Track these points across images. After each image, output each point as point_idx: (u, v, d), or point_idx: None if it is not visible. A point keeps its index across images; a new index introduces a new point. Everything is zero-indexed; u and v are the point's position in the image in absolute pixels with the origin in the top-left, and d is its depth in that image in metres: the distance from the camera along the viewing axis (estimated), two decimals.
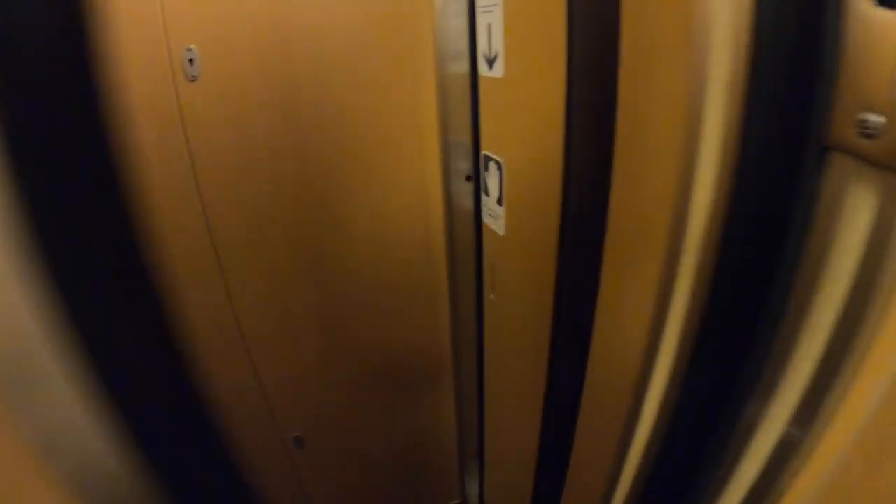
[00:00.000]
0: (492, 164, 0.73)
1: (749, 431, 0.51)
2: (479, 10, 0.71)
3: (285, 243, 0.96)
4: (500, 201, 0.73)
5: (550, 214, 0.64)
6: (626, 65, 0.54)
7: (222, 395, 0.91)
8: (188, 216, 0.95)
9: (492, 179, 0.74)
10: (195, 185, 0.93)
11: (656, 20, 0.48)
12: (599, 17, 0.57)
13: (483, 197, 0.77)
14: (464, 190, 0.85)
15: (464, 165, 0.84)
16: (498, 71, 0.69)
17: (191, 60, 0.93)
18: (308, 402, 0.96)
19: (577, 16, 0.58)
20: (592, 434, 0.71)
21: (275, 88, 0.94)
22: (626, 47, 0.53)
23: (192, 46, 0.94)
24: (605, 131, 0.57)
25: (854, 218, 0.40)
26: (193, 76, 0.93)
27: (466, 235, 0.86)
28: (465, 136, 0.82)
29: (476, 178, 0.80)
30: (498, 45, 0.68)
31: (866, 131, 0.36)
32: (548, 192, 0.63)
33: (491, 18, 0.68)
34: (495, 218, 0.74)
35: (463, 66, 0.81)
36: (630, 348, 0.60)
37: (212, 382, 0.90)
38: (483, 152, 0.75)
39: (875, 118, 0.36)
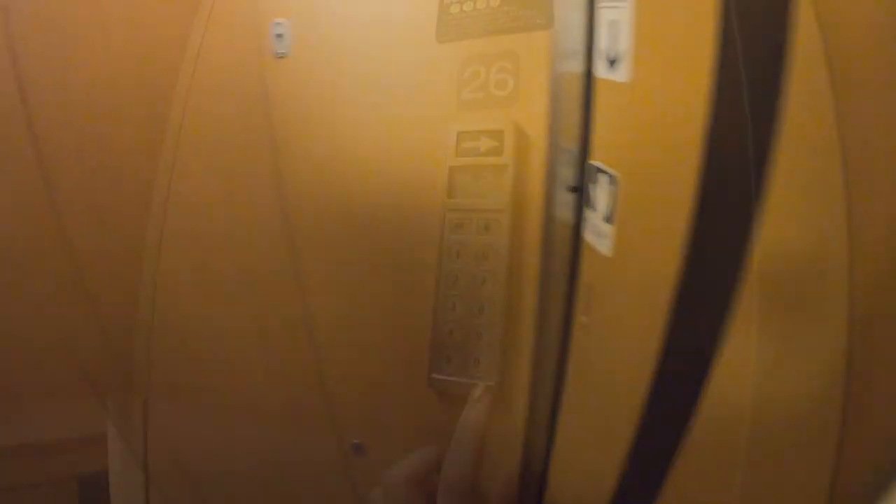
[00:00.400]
0: (602, 177, 0.62)
1: None
2: (601, 4, 0.60)
3: (365, 244, 0.89)
4: (608, 219, 0.61)
5: (673, 245, 0.52)
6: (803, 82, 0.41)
7: (285, 397, 0.87)
8: (266, 207, 0.90)
9: (600, 193, 0.62)
10: (276, 172, 0.87)
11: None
12: (764, 16, 0.43)
13: (587, 211, 0.65)
14: (564, 200, 0.71)
15: (567, 174, 0.70)
16: (621, 74, 0.58)
17: (279, 35, 0.82)
18: (372, 410, 0.88)
19: (733, 18, 0.44)
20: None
21: (365, 66, 0.89)
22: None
23: (282, 20, 0.82)
24: (758, 156, 0.43)
25: None
26: (281, 53, 0.82)
27: (562, 249, 0.72)
28: (571, 142, 0.68)
29: (580, 190, 0.66)
30: (623, 45, 0.57)
31: None
32: (672, 220, 0.52)
33: (617, 15, 0.57)
34: (600, 237, 0.63)
35: (575, 65, 0.66)
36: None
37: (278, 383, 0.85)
38: (592, 162, 0.64)
39: None
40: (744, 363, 0.50)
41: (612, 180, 0.60)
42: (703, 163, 0.48)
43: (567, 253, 0.66)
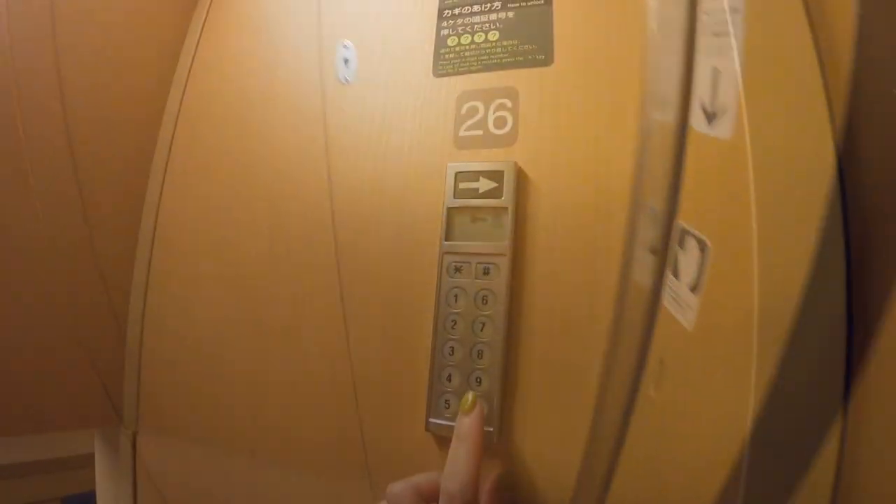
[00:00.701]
0: (691, 241, 0.52)
1: None
2: (702, 49, 0.50)
3: (380, 279, 0.78)
4: (694, 288, 0.51)
5: (774, 328, 0.42)
6: None
7: (327, 440, 0.77)
8: (322, 254, 0.81)
9: (687, 260, 0.52)
10: (331, 219, 0.80)
11: None
12: None
13: (669, 277, 0.55)
14: (643, 262, 0.59)
15: (649, 234, 0.58)
16: (722, 130, 0.48)
17: (346, 60, 0.71)
18: (404, 460, 0.75)
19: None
20: None
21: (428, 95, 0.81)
22: None
23: (349, 43, 0.70)
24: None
25: None
26: (346, 79, 0.71)
27: (635, 314, 0.60)
28: (657, 200, 0.56)
29: (662, 253, 0.56)
30: (728, 97, 0.47)
31: None
32: (775, 299, 0.42)
33: (720, 62, 0.48)
34: (682, 307, 0.52)
35: (668, 116, 0.54)
36: None
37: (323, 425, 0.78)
38: (680, 223, 0.53)
39: None
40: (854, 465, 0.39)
41: (703, 246, 0.50)
42: (822, 235, 0.36)
43: (639, 319, 0.54)
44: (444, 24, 0.83)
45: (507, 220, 0.71)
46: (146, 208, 0.96)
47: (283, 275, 0.84)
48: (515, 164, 0.72)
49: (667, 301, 0.53)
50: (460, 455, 0.60)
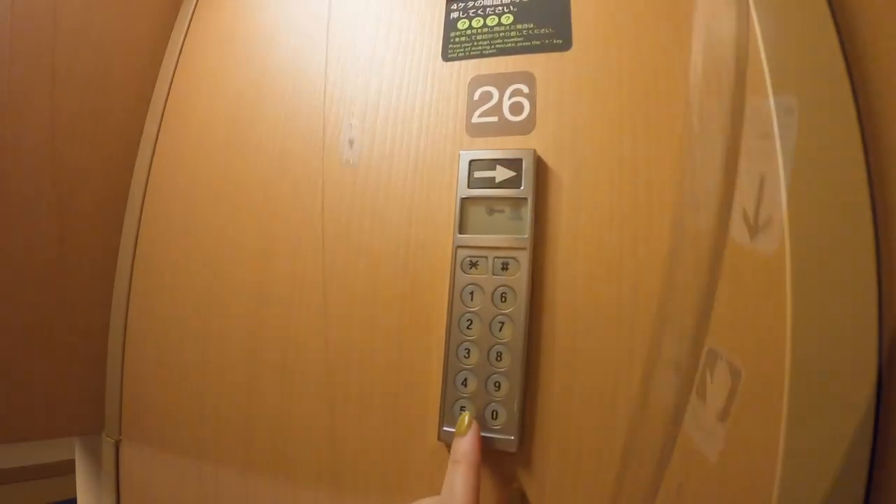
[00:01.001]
0: (722, 366, 0.46)
1: None
2: (747, 152, 0.42)
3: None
4: (722, 417, 0.45)
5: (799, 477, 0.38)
6: None
7: (324, 453, 0.71)
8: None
9: (717, 386, 0.46)
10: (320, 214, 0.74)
11: None
12: None
13: (693, 399, 0.48)
14: (665, 380, 0.53)
15: (674, 351, 0.51)
16: (767, 244, 0.41)
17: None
18: (415, 472, 0.67)
19: None
20: None
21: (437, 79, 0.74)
22: None
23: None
24: None
25: None
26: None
27: (653, 434, 0.55)
28: (684, 315, 0.49)
29: (687, 373, 0.50)
30: (775, 208, 0.39)
31: None
32: (823, 441, 0.38)
33: (766, 167, 0.39)
34: (707, 435, 0.46)
35: (703, 223, 0.47)
36: None
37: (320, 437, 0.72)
38: (712, 347, 0.46)
39: None
40: None
41: (735, 372, 0.43)
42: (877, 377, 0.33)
43: (657, 439, 0.47)
44: (455, 6, 0.75)
45: (527, 211, 0.64)
46: (128, 212, 0.89)
47: (274, 276, 0.77)
48: (535, 152, 0.65)
49: (688, 426, 0.47)
50: (456, 480, 0.56)
